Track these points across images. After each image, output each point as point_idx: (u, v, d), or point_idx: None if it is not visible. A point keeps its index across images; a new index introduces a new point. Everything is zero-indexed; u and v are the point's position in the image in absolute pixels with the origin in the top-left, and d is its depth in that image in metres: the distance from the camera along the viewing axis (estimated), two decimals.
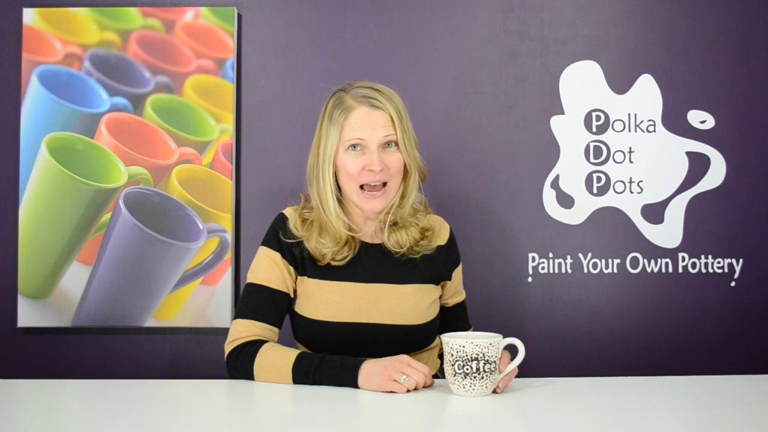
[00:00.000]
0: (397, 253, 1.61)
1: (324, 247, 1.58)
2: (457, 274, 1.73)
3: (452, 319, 1.72)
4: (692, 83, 2.25)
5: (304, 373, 1.46)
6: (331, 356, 1.47)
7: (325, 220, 1.59)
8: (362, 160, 1.56)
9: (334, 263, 1.59)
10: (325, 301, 1.57)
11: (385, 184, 1.58)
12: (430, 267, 1.65)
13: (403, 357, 1.42)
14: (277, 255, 1.60)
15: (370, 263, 1.61)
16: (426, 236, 1.64)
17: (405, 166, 1.60)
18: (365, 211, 1.60)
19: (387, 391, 1.38)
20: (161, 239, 2.19)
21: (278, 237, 1.61)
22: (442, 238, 1.69)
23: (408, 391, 1.38)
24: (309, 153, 1.63)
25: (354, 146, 1.56)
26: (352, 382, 1.42)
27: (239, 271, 2.23)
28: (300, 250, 1.60)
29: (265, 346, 1.51)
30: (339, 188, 1.61)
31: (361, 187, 1.57)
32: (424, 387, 1.41)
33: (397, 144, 1.58)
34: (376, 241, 1.64)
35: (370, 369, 1.41)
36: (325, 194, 1.58)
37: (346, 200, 1.62)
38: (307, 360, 1.47)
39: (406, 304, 1.59)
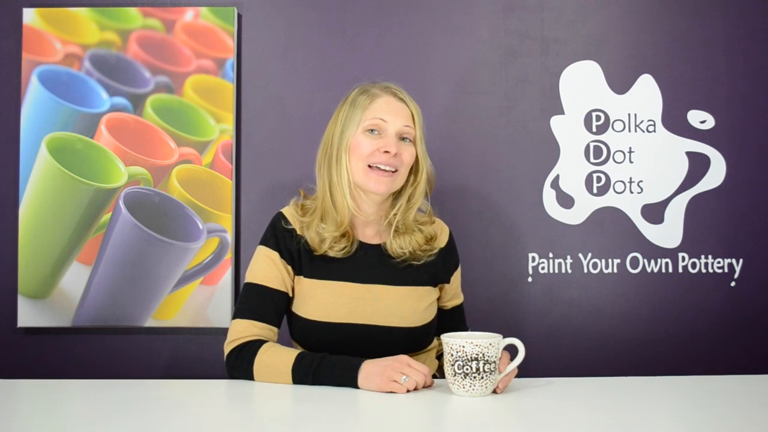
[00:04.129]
0: (399, 257, 1.61)
1: (325, 232, 1.58)
2: (456, 277, 1.73)
3: (450, 321, 1.72)
4: (692, 83, 2.25)
5: (303, 374, 1.45)
6: (331, 356, 1.47)
7: (329, 206, 1.60)
8: (378, 142, 1.57)
9: (331, 253, 1.59)
10: (322, 301, 1.57)
11: (395, 171, 1.59)
12: (429, 269, 1.65)
13: (403, 357, 1.42)
14: (275, 254, 1.60)
15: (368, 264, 1.61)
16: (430, 244, 1.65)
17: (416, 167, 1.63)
18: (366, 196, 1.61)
19: (387, 392, 1.38)
20: (161, 239, 2.19)
21: (276, 236, 1.61)
22: (441, 241, 1.69)
23: (408, 391, 1.38)
24: (320, 142, 1.65)
25: (372, 130, 1.58)
26: (351, 382, 1.42)
27: (239, 271, 2.23)
28: (297, 243, 1.60)
29: (264, 347, 1.51)
30: None
31: (370, 167, 1.58)
32: (424, 387, 1.41)
33: (412, 141, 1.61)
34: (376, 241, 1.65)
35: (370, 369, 1.41)
36: (339, 176, 1.59)
37: (353, 191, 1.62)
38: (306, 360, 1.47)
39: (403, 305, 1.59)
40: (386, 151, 1.56)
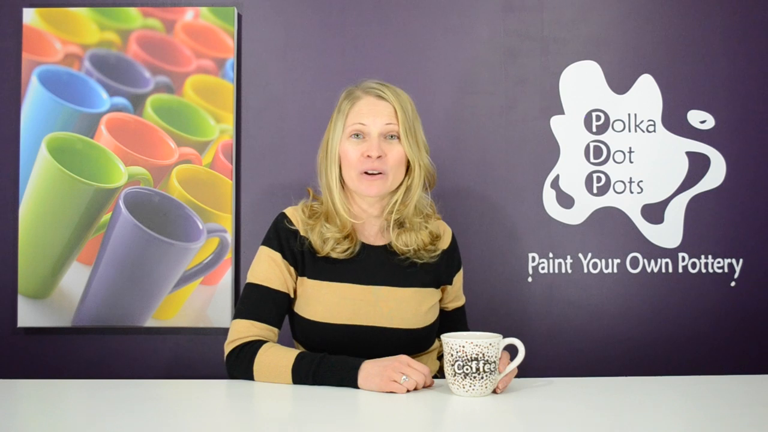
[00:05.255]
0: (404, 254, 1.61)
1: (328, 232, 1.59)
2: (458, 278, 1.73)
3: (452, 323, 1.72)
4: (692, 83, 2.25)
5: (303, 374, 1.45)
6: (331, 356, 1.47)
7: (331, 209, 1.61)
8: (362, 147, 1.58)
9: (334, 255, 1.59)
10: (324, 303, 1.57)
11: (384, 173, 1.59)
12: (431, 271, 1.65)
13: (403, 357, 1.42)
14: (277, 255, 1.60)
15: (371, 265, 1.61)
16: (435, 243, 1.65)
17: (408, 163, 1.62)
18: (363, 197, 1.62)
19: (387, 392, 1.38)
20: (161, 239, 2.19)
21: (279, 237, 1.61)
22: (444, 242, 1.69)
23: (408, 391, 1.38)
24: (318, 147, 1.66)
25: (356, 135, 1.59)
26: (352, 382, 1.42)
27: (239, 271, 2.23)
28: (301, 245, 1.60)
29: (264, 347, 1.51)
30: (342, 179, 1.63)
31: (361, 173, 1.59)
32: (424, 387, 1.41)
33: (398, 137, 1.59)
34: (379, 242, 1.65)
35: (370, 369, 1.41)
36: (330, 184, 1.61)
37: (350, 194, 1.63)
38: (306, 360, 1.47)
39: (406, 307, 1.59)
40: (369, 155, 1.56)
